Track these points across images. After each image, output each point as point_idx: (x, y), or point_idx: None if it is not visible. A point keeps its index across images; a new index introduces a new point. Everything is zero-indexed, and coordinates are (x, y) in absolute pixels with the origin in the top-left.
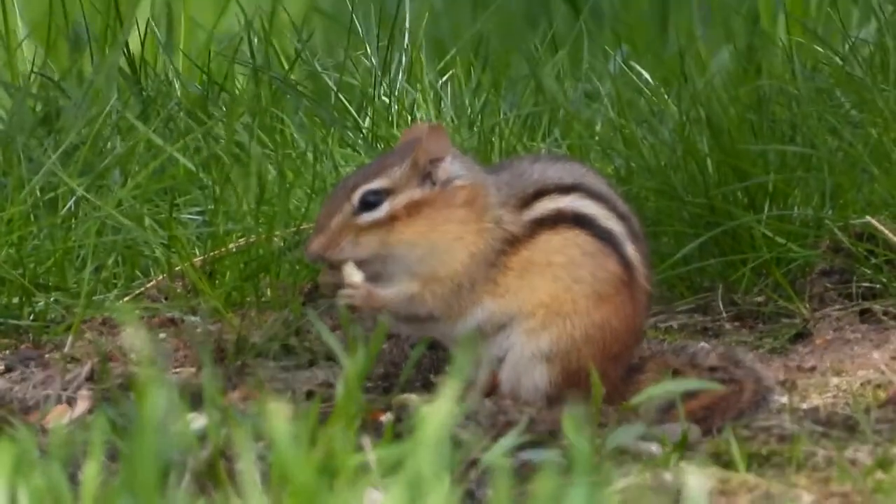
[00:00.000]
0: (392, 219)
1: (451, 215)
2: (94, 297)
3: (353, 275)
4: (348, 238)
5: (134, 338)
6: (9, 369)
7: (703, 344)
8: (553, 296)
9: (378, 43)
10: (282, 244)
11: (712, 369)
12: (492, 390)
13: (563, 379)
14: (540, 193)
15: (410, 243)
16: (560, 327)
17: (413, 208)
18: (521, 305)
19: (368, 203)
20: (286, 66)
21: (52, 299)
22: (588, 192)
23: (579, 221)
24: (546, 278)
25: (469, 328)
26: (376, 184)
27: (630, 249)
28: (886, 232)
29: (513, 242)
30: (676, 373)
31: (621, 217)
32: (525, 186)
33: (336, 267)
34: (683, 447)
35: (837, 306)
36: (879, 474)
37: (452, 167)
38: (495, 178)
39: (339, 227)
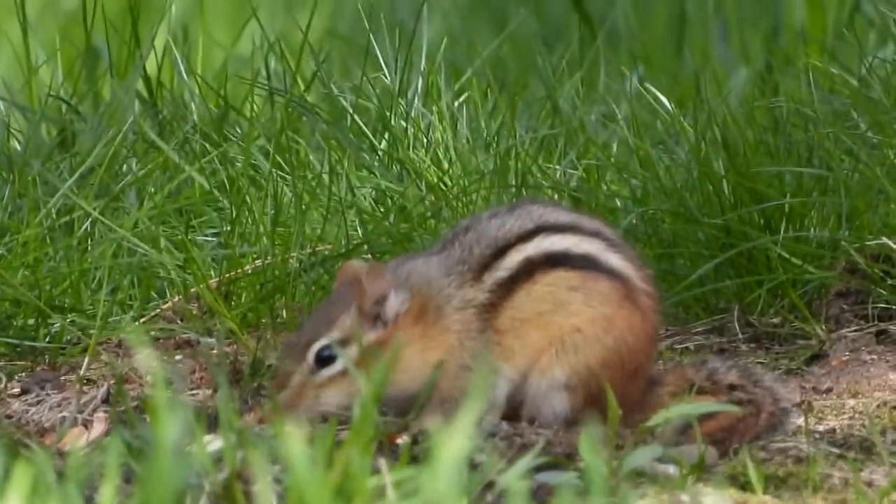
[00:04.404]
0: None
1: (409, 339)
2: (109, 319)
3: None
4: (310, 396)
5: (147, 360)
6: (25, 391)
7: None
8: (555, 338)
9: (396, 65)
10: (297, 265)
11: (731, 387)
12: (513, 415)
13: (585, 404)
14: (502, 251)
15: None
16: (573, 359)
17: (370, 353)
18: (529, 359)
19: (324, 358)
20: (303, 88)
21: (68, 321)
22: (550, 229)
23: (552, 261)
24: (542, 328)
25: (504, 394)
26: (328, 338)
27: (615, 260)
28: None
29: (490, 309)
30: (695, 387)
31: (592, 235)
32: (483, 249)
33: None
34: (700, 469)
35: (853, 327)
36: (895, 496)
37: (396, 300)
38: (445, 263)
39: (300, 387)
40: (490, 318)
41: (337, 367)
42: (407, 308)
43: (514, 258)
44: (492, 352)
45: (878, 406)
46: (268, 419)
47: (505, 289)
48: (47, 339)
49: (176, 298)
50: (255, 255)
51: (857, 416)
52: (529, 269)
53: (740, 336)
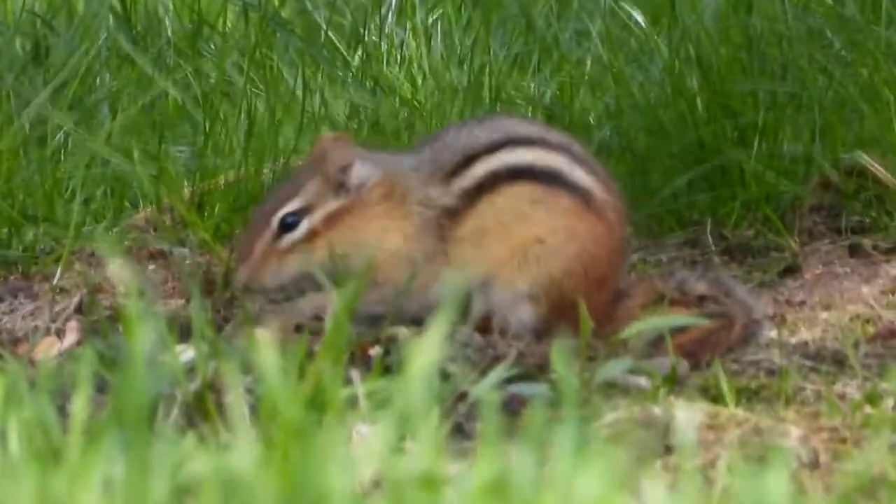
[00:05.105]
0: (313, 235)
1: (373, 214)
2: (82, 229)
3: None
4: (272, 263)
5: (119, 269)
6: None
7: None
8: (516, 249)
9: None
10: (270, 178)
11: (702, 298)
12: (484, 327)
13: (550, 313)
14: (469, 159)
15: (338, 253)
16: (535, 270)
17: (332, 220)
18: (487, 269)
19: (287, 225)
20: (277, 4)
21: (41, 231)
22: (517, 142)
23: (516, 174)
24: (503, 239)
25: (438, 297)
26: (292, 205)
27: (579, 174)
28: (876, 167)
29: (453, 214)
30: (664, 299)
31: (558, 149)
32: (452, 156)
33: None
34: (672, 381)
35: (827, 241)
36: (868, 409)
37: (362, 170)
38: (415, 159)
39: (262, 254)
40: (451, 226)
41: (300, 232)
42: (374, 183)
43: (481, 168)
44: (451, 261)
45: (850, 319)
46: (237, 292)
47: (469, 198)
48: (20, 249)
49: (149, 209)
50: (228, 168)
51: (829, 328)
52: (494, 181)
53: (713, 249)
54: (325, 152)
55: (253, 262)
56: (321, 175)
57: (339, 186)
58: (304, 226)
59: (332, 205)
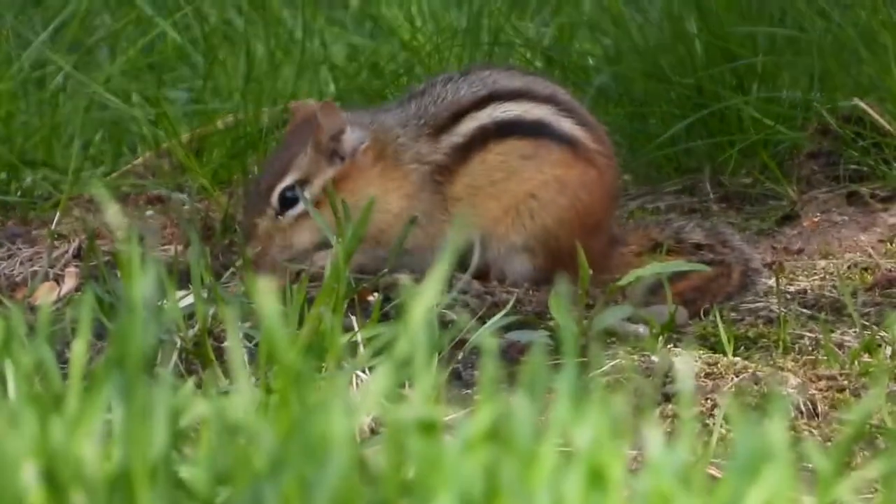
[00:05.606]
0: (314, 206)
1: (370, 178)
2: (81, 174)
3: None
4: (278, 241)
5: (114, 215)
6: None
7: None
8: (509, 206)
9: None
10: (269, 121)
11: (698, 246)
12: (482, 276)
13: (546, 263)
14: (457, 115)
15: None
16: (530, 224)
17: (331, 189)
18: (483, 225)
19: (287, 199)
20: None
21: (39, 176)
22: (503, 96)
23: (504, 130)
24: (496, 197)
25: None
26: (288, 178)
27: (566, 125)
28: (874, 114)
29: (445, 171)
30: (660, 246)
31: (545, 101)
32: (438, 112)
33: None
34: (671, 329)
35: (825, 189)
36: (865, 357)
37: (353, 135)
38: (400, 116)
39: (267, 232)
40: (444, 183)
41: (300, 206)
42: (366, 146)
43: (469, 125)
44: (441, 216)
45: (848, 267)
46: (244, 277)
47: (459, 155)
48: (19, 194)
49: (147, 154)
50: (227, 111)
51: (828, 277)
52: (483, 138)
53: (711, 196)
54: (315, 120)
55: (259, 241)
56: (313, 144)
57: (332, 154)
58: (304, 198)
59: (328, 173)
